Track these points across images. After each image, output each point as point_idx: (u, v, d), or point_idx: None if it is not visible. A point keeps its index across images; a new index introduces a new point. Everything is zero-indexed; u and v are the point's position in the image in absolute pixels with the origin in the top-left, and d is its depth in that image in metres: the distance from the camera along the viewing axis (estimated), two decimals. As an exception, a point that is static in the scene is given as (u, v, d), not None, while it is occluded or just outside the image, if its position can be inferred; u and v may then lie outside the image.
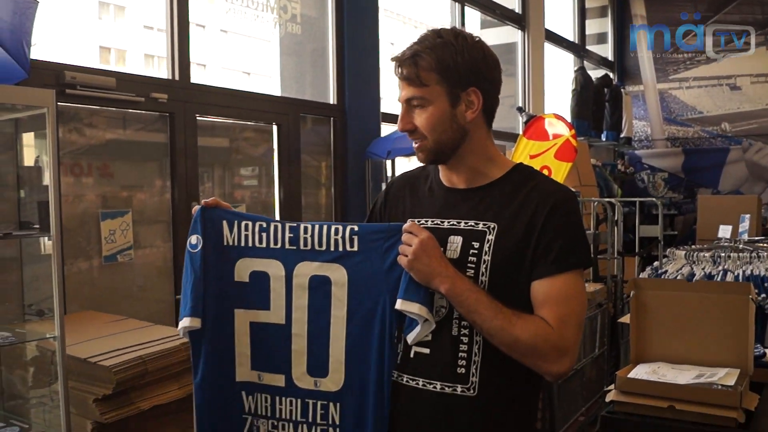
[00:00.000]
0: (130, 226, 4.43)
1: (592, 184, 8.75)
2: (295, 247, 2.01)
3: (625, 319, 3.46)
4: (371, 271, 1.95)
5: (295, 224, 2.03)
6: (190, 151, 4.82)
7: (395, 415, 1.98)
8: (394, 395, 1.98)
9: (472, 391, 1.90)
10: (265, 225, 2.04)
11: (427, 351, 1.93)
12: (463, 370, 1.91)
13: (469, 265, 1.91)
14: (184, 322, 2.00)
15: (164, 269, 4.79)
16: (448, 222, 1.98)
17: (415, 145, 1.99)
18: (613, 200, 5.85)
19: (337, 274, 1.97)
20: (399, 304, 1.86)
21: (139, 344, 3.37)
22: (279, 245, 2.02)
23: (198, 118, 4.91)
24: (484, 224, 1.92)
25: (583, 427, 4.60)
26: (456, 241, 1.94)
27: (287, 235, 2.02)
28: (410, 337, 1.90)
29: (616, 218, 5.59)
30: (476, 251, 1.91)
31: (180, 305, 2.04)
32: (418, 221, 2.00)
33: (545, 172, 6.73)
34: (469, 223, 1.95)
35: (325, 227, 2.00)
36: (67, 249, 3.73)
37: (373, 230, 1.98)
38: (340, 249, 1.97)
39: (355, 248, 1.95)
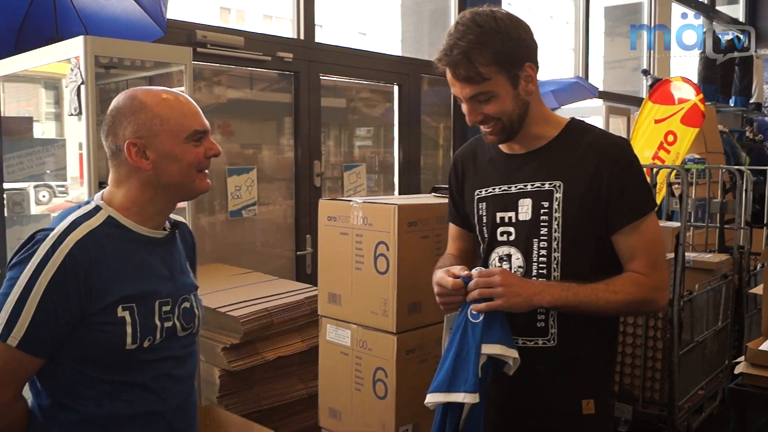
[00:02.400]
0: (254, 182, 4.55)
1: (719, 151, 8.47)
2: None
3: (757, 289, 3.37)
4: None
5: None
6: (314, 111, 4.90)
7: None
8: None
9: (552, 342, 2.02)
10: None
11: None
12: (542, 324, 2.03)
13: (542, 224, 2.01)
14: (467, 398, 1.86)
15: (285, 226, 4.91)
16: (515, 186, 2.06)
17: (486, 131, 2.03)
18: (742, 168, 5.63)
19: None
20: (498, 350, 1.88)
21: (265, 297, 3.48)
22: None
23: (321, 77, 4.96)
24: (550, 183, 2.01)
25: (703, 400, 4.49)
26: (526, 204, 2.04)
27: None
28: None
29: (745, 187, 5.37)
30: (546, 210, 2.00)
31: (446, 373, 1.92)
32: (486, 189, 2.13)
33: (670, 137, 6.54)
34: (536, 185, 2.03)
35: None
36: (194, 203, 3.84)
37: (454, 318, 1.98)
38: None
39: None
